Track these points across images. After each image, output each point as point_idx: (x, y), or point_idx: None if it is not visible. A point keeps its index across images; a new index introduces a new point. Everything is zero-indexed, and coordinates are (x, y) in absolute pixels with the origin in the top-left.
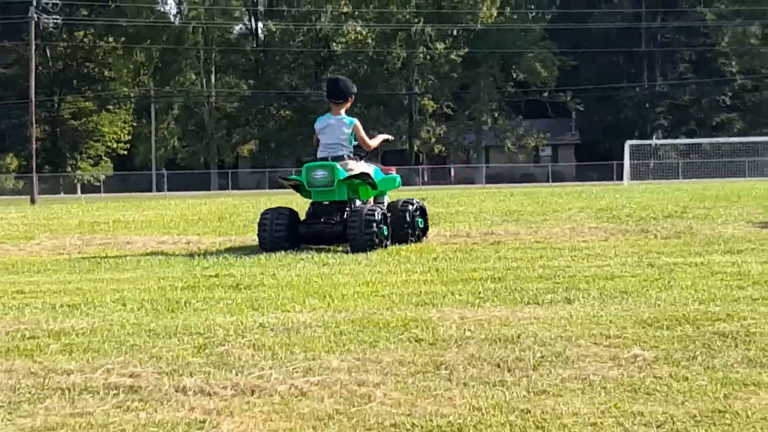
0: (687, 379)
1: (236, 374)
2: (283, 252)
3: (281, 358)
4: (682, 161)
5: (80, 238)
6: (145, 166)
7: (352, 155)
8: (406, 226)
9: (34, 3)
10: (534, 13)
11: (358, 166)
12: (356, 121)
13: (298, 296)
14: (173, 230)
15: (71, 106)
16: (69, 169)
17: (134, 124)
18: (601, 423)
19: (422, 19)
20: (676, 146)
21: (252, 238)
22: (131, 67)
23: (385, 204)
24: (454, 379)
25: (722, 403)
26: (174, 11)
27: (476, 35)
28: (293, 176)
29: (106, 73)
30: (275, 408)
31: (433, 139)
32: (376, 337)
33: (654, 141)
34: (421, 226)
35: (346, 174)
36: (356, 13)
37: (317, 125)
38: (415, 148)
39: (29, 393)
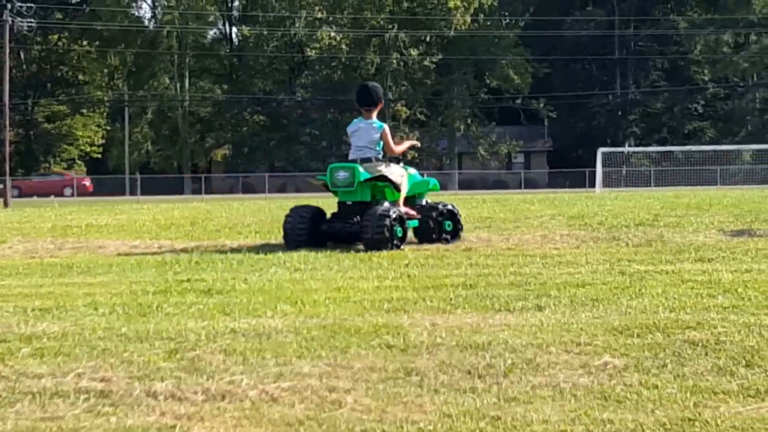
0: (657, 387)
1: (207, 379)
2: (260, 255)
3: (252, 363)
4: (654, 169)
5: (53, 242)
6: (119, 170)
7: (380, 158)
8: (432, 228)
9: (9, 6)
10: (507, 20)
11: (388, 170)
12: (385, 127)
13: (270, 302)
14: (146, 234)
15: (45, 109)
16: (42, 172)
17: (108, 128)
18: (571, 430)
19: (396, 26)
20: (648, 154)
21: (223, 242)
22: (105, 71)
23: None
24: (425, 385)
25: (692, 411)
26: (148, 15)
27: (450, 42)
28: (322, 177)
29: (80, 76)
30: (246, 413)
31: None
32: (347, 343)
33: (626, 148)
34: (449, 229)
35: (368, 175)
36: (330, 18)
37: (349, 128)
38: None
39: (0, 397)
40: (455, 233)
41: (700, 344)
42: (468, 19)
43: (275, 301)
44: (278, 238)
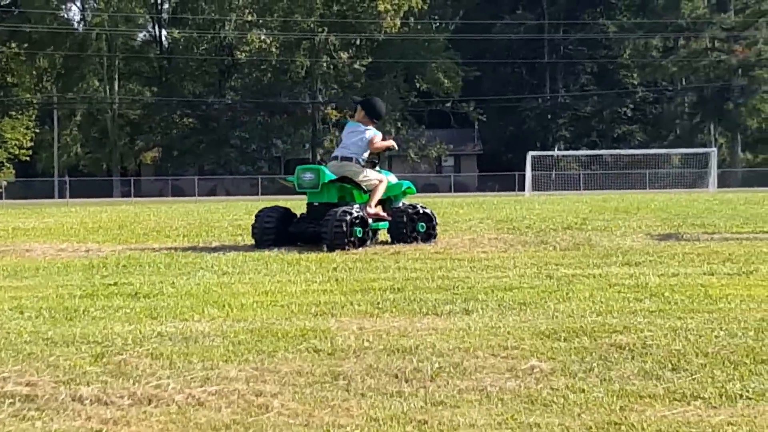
0: (583, 390)
1: (133, 383)
2: (188, 258)
3: (179, 367)
4: (583, 172)
5: None
6: (48, 172)
7: (361, 161)
8: (404, 228)
9: None
10: (438, 24)
11: (362, 173)
12: (377, 134)
13: (197, 305)
14: (73, 238)
15: None
16: None
17: (37, 130)
18: None
19: (326, 29)
20: (578, 157)
21: (151, 246)
22: (34, 73)
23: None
24: (352, 389)
25: (618, 415)
26: (78, 18)
27: (380, 45)
28: (290, 178)
29: (8, 78)
30: (172, 417)
31: None
32: (274, 347)
33: (556, 152)
34: (422, 230)
35: (332, 177)
36: (260, 21)
37: (347, 127)
38: (318, 157)
39: None
40: (428, 236)
41: (627, 348)
42: (398, 22)
43: (203, 305)
44: (206, 241)
